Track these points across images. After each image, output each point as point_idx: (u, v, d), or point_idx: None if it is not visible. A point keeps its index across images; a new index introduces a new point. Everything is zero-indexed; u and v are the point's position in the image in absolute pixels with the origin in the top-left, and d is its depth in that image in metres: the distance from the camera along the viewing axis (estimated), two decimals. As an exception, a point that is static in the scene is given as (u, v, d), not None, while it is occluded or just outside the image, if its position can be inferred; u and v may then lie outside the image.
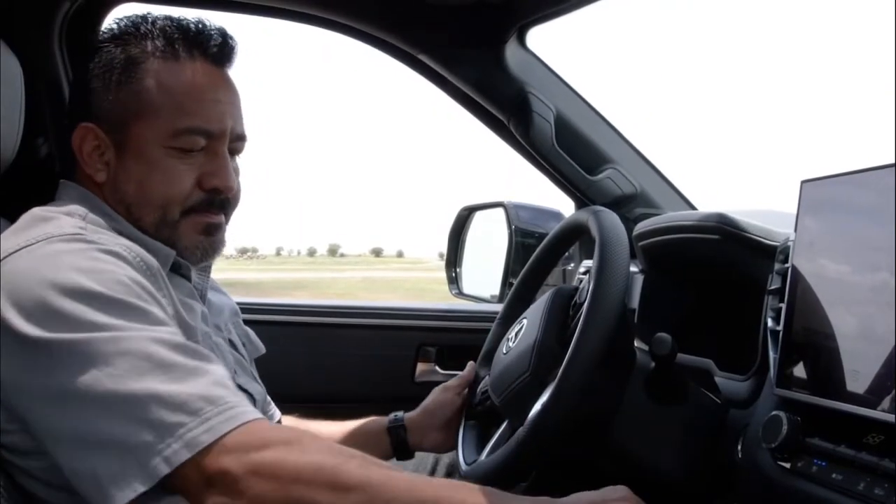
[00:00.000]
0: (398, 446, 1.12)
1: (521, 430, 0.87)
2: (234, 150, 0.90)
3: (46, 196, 0.88)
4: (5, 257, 0.72)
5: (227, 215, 0.90)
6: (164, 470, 0.63)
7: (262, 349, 1.07)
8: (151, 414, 0.64)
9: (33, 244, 0.72)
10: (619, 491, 0.76)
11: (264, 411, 1.03)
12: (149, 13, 0.87)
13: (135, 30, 0.86)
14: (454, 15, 1.32)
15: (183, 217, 0.86)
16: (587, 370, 0.85)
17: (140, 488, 0.63)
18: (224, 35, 0.88)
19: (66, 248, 0.72)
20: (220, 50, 0.87)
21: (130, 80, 0.84)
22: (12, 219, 0.90)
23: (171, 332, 0.71)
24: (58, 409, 0.65)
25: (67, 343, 0.66)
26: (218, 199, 0.88)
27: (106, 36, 0.88)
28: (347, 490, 0.64)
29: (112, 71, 0.85)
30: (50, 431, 0.67)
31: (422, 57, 1.39)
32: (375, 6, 1.33)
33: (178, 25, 0.86)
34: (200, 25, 0.87)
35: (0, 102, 0.87)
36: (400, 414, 1.14)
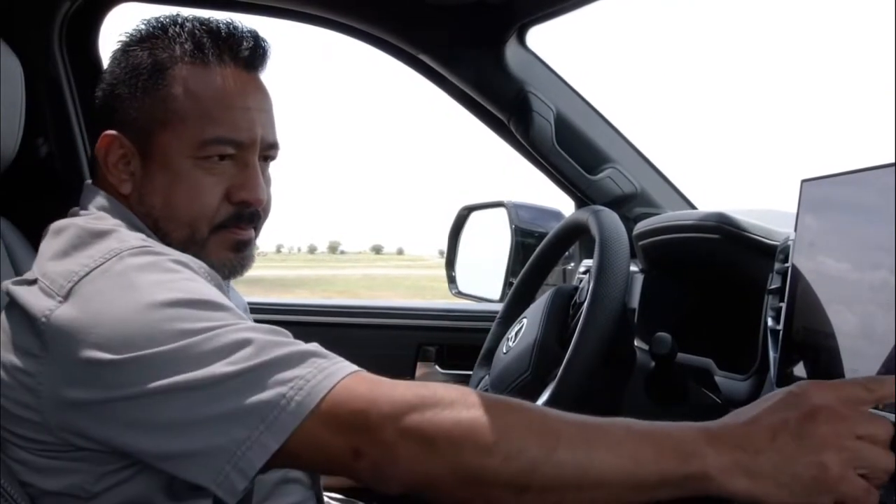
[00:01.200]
0: None
1: None
2: (267, 158, 0.86)
3: (47, 196, 0.88)
4: (78, 280, 0.68)
5: (257, 229, 0.86)
6: (292, 423, 0.60)
7: None
8: (268, 378, 0.61)
9: (103, 264, 0.69)
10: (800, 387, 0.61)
11: None
12: (178, 14, 0.83)
13: (163, 32, 0.82)
14: (454, 15, 1.32)
15: (211, 235, 0.82)
16: (587, 370, 0.85)
17: (273, 446, 0.60)
18: (256, 38, 0.84)
19: (139, 262, 0.70)
20: (251, 54, 0.83)
21: (157, 86, 0.80)
22: (12, 219, 0.91)
23: (260, 324, 0.69)
24: (164, 407, 0.63)
25: (164, 353, 0.63)
26: (247, 213, 0.83)
27: (134, 38, 0.83)
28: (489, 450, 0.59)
29: (138, 76, 0.80)
30: (163, 425, 0.63)
31: (422, 57, 1.39)
32: (375, 6, 1.33)
33: (209, 28, 0.82)
34: (232, 27, 0.83)
35: (0, 102, 0.87)
36: None
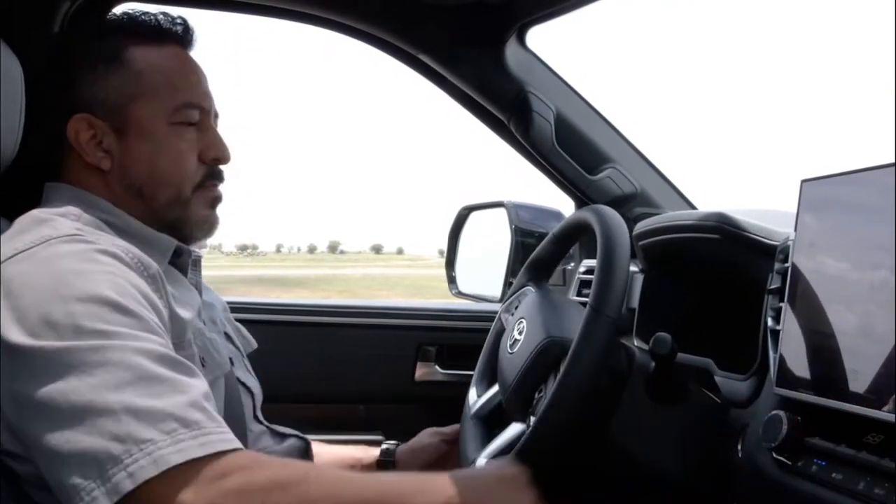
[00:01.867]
0: None
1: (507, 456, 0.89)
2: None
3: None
4: (4, 261, 0.72)
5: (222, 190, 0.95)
6: (128, 486, 0.61)
7: (255, 344, 1.08)
8: (123, 427, 0.62)
9: (32, 248, 0.72)
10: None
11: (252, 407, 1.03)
12: (112, 13, 0.94)
13: (108, 22, 0.92)
14: (454, 15, 1.32)
15: (193, 194, 0.89)
16: (588, 370, 0.85)
17: (104, 503, 0.61)
18: (185, 21, 0.93)
19: (65, 249, 0.72)
20: (186, 34, 0.92)
21: (120, 65, 0.87)
22: (12, 219, 0.91)
23: (159, 343, 0.69)
24: (37, 417, 0.64)
25: (52, 351, 0.65)
26: (218, 170, 0.92)
27: (91, 31, 0.92)
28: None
29: (96, 61, 0.87)
30: (32, 439, 0.66)
31: (422, 57, 1.39)
32: (375, 6, 1.33)
33: (145, 15, 0.91)
34: (162, 15, 0.92)
35: (0, 102, 0.87)
36: (392, 445, 1.16)
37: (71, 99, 0.87)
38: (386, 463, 1.14)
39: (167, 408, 0.64)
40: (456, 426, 1.22)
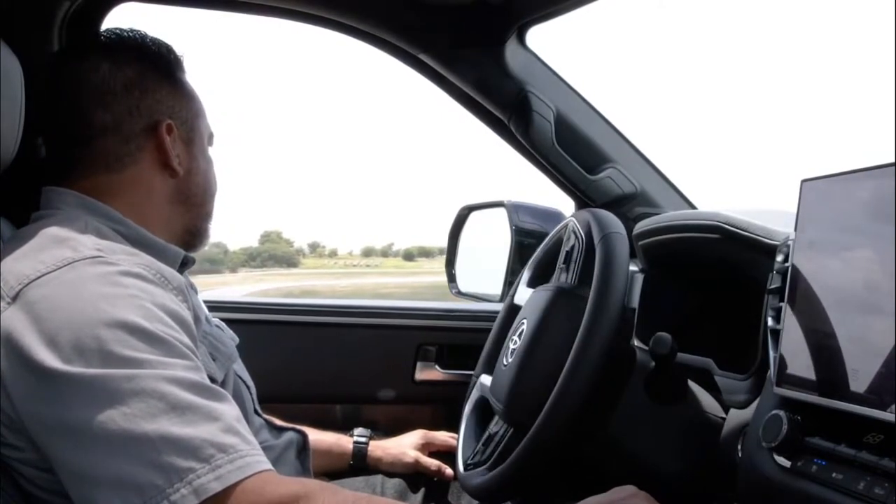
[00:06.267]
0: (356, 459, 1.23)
1: (504, 465, 0.88)
2: None
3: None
4: (28, 283, 0.70)
5: None
6: None
7: (237, 338, 1.09)
8: (161, 457, 0.63)
9: (54, 271, 0.71)
10: (626, 490, 0.78)
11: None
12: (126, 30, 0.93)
13: (143, 40, 0.93)
14: (454, 15, 1.32)
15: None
16: (592, 371, 0.84)
17: None
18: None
19: (89, 272, 0.71)
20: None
21: (180, 81, 0.93)
22: (12, 219, 0.91)
23: (188, 368, 0.70)
24: (69, 442, 0.65)
25: (85, 378, 0.65)
26: None
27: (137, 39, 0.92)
28: None
29: (159, 70, 0.91)
30: (60, 462, 0.66)
31: (422, 57, 1.39)
32: (375, 6, 1.33)
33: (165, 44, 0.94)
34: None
35: (0, 102, 0.87)
36: (366, 436, 1.23)
37: (155, 98, 0.90)
38: (359, 446, 1.21)
39: (203, 435, 0.65)
40: (447, 439, 1.23)
